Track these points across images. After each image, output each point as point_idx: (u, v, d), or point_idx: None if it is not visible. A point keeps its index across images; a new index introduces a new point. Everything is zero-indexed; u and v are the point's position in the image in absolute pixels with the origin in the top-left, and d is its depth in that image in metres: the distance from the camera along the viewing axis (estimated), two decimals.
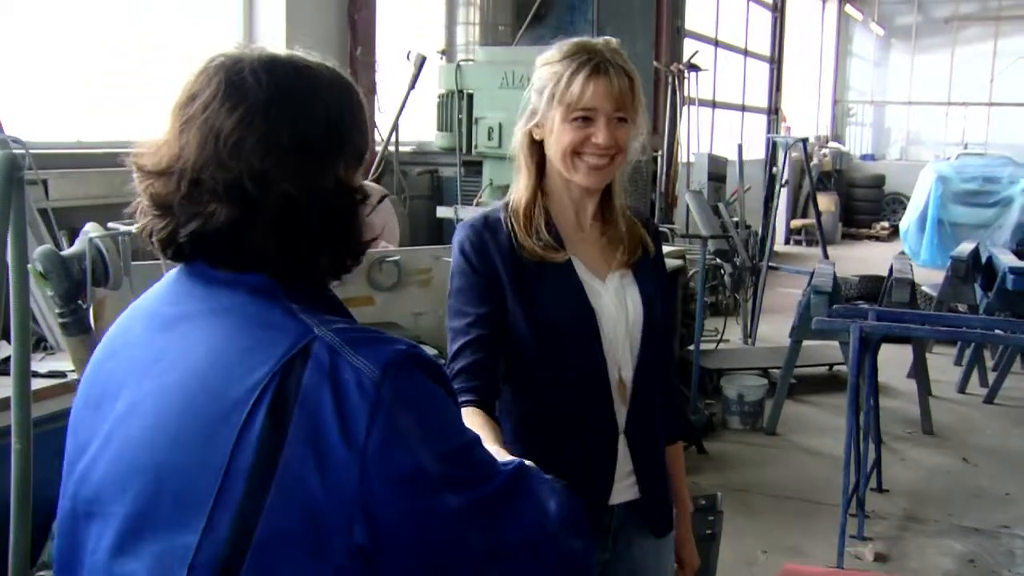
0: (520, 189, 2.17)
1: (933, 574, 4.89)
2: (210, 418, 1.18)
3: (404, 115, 5.87)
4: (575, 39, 2.10)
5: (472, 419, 1.97)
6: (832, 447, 6.30)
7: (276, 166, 1.21)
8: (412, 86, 5.02)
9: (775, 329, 9.35)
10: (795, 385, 7.69)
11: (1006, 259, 8.20)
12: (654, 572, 2.31)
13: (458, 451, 1.24)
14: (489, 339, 2.08)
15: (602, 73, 2.03)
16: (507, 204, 2.18)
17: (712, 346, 8.41)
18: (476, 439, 1.29)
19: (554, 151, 2.10)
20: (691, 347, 7.27)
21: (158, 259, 1.35)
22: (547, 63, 2.10)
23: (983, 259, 8.73)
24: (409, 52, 5.21)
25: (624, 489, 2.17)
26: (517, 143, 2.16)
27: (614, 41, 2.11)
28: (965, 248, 8.97)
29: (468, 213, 5.68)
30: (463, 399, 2.00)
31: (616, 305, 2.15)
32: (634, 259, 2.21)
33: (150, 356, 1.29)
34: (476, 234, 2.14)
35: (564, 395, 2.12)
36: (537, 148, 2.14)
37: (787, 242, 17.48)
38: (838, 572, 3.23)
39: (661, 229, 9.32)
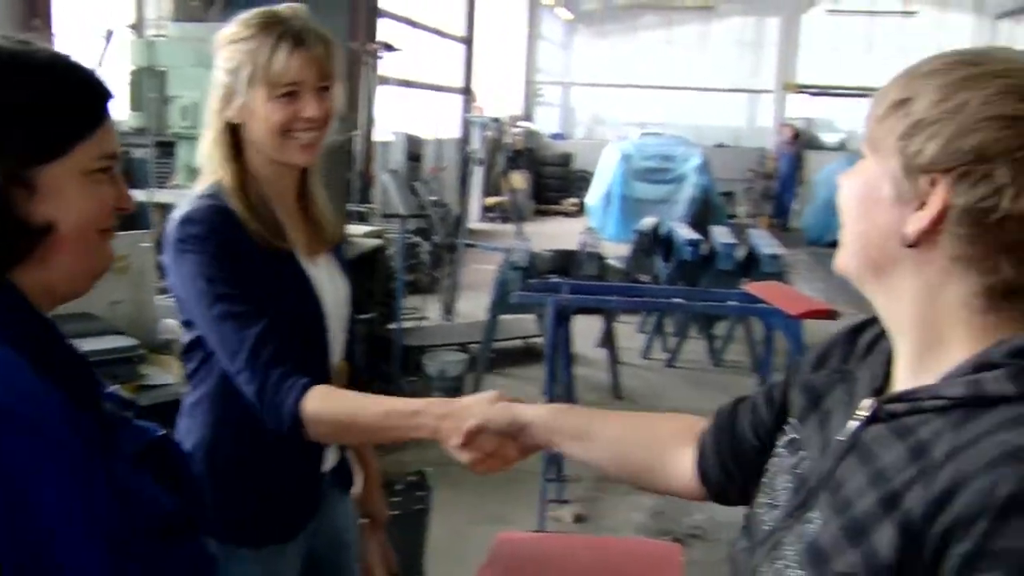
0: (227, 176, 2.04)
1: (625, 528, 5.23)
2: None
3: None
4: (257, 10, 1.99)
5: (329, 394, 1.93)
6: None
7: None
8: (100, 63, 4.77)
9: (473, 305, 9.58)
10: (494, 359, 7.94)
11: (683, 232, 8.81)
12: (346, 526, 2.40)
13: None
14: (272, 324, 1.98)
15: (302, 44, 1.95)
16: (219, 186, 2.04)
17: (413, 324, 8.54)
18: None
19: (261, 133, 1.99)
20: (392, 325, 7.37)
21: None
22: (236, 39, 1.97)
23: (663, 233, 9.35)
24: (102, 28, 4.95)
25: (330, 457, 2.26)
26: (212, 129, 2.04)
27: (301, 7, 2.04)
28: (648, 222, 9.55)
29: (165, 196, 5.49)
30: (303, 381, 1.92)
31: (333, 292, 2.16)
32: (335, 241, 2.21)
33: None
34: (211, 223, 1.98)
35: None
36: (234, 131, 2.03)
37: (482, 219, 17.93)
38: (548, 536, 3.39)
39: (360, 209, 9.43)
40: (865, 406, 1.09)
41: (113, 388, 1.37)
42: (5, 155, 1.15)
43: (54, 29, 5.79)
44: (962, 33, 21.67)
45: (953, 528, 0.92)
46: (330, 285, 2.16)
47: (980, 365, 1.00)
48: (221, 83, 2.00)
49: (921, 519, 0.95)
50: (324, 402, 1.92)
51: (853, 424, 1.09)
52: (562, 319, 5.31)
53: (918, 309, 1.06)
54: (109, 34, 4.80)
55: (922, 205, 1.01)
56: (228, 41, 1.99)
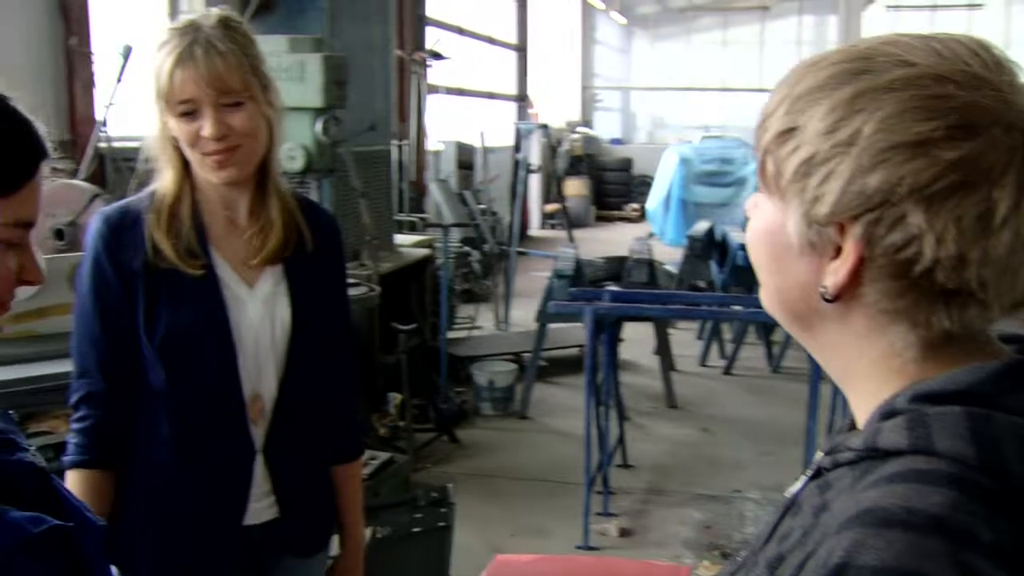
0: (166, 182, 1.96)
1: (672, 543, 5.07)
2: None
3: (125, 109, 5.58)
4: (184, 17, 1.91)
5: (75, 484, 1.93)
6: (581, 427, 6.41)
7: None
8: (119, 78, 4.75)
9: (529, 313, 9.49)
10: (547, 368, 7.84)
11: (738, 236, 8.60)
12: None
13: None
14: (111, 385, 1.95)
15: (188, 58, 1.83)
16: (152, 195, 1.98)
17: (464, 334, 8.46)
18: None
19: (183, 148, 1.91)
20: (445, 335, 7.30)
21: None
22: (153, 50, 1.89)
23: (718, 237, 9.15)
24: (121, 44, 4.90)
25: (262, 510, 2.04)
26: (155, 134, 1.94)
27: (216, 13, 1.91)
28: (701, 227, 9.36)
29: None
30: (76, 458, 1.95)
31: (262, 316, 1.99)
32: (287, 254, 2.02)
33: None
34: (111, 230, 1.94)
35: (192, 414, 1.97)
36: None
37: (542, 226, 17.84)
38: (548, 559, 3.26)
39: (410, 218, 9.38)
40: (815, 461, 0.96)
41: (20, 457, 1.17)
42: None
43: (93, 47, 5.77)
44: None
45: None
46: (260, 311, 1.99)
47: (886, 412, 0.85)
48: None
49: None
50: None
51: (803, 480, 0.97)
52: (603, 328, 5.18)
53: (850, 362, 0.92)
54: (127, 51, 4.72)
55: (837, 252, 0.86)
56: (152, 51, 1.91)
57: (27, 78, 5.43)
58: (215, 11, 1.91)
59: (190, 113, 1.86)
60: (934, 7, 21.58)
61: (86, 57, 5.70)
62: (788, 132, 0.88)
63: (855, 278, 0.85)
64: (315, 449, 2.13)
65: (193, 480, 1.97)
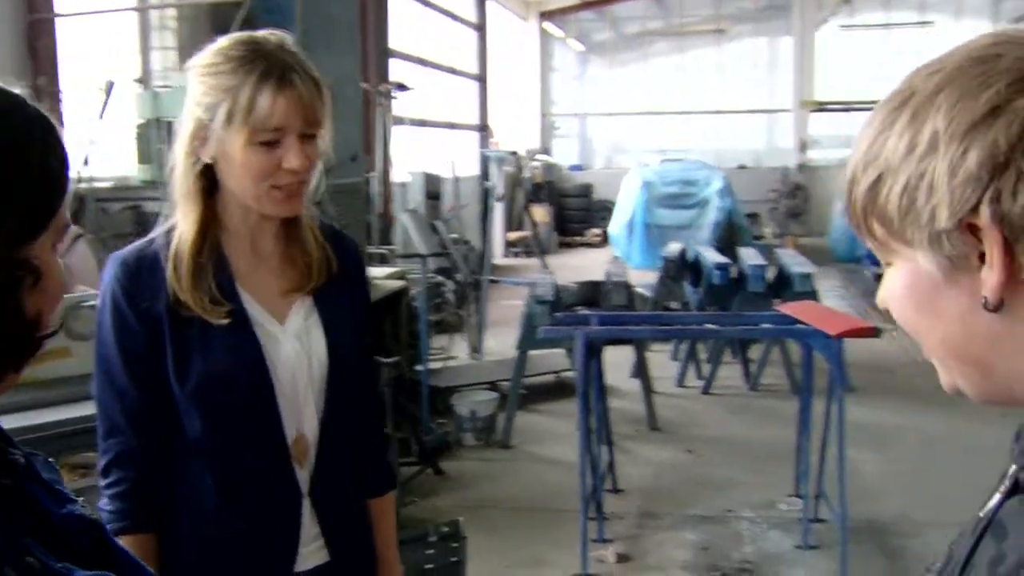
0: (188, 225, 1.80)
1: (671, 566, 5.02)
2: None
3: (102, 148, 5.50)
4: (236, 35, 1.75)
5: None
6: (566, 453, 6.37)
7: None
8: (101, 115, 4.65)
9: (502, 342, 9.42)
10: (526, 396, 7.77)
11: (711, 256, 8.64)
12: None
13: None
14: (144, 440, 1.82)
15: (288, 84, 1.69)
16: (168, 236, 1.83)
17: (441, 364, 8.38)
18: None
19: (237, 180, 1.76)
20: (419, 367, 7.21)
21: None
22: (214, 71, 1.72)
23: (690, 258, 9.17)
24: (103, 80, 4.81)
25: (311, 554, 1.93)
26: (180, 170, 1.78)
27: (286, 37, 1.78)
28: (674, 248, 9.37)
29: None
30: (117, 525, 1.79)
31: (297, 353, 1.87)
32: (318, 284, 1.91)
33: None
34: (128, 274, 1.80)
35: (234, 461, 1.86)
36: (205, 171, 1.78)
37: (505, 255, 17.80)
38: None
39: (379, 251, 9.31)
40: (1009, 474, 0.88)
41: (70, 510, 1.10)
42: (10, 232, 0.91)
43: (60, 86, 5.69)
44: None
45: None
46: (295, 348, 1.88)
47: None
48: (194, 118, 1.75)
49: None
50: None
51: (996, 497, 0.89)
52: (592, 351, 5.14)
53: None
54: (110, 86, 4.62)
55: (982, 258, 0.80)
56: (205, 72, 1.74)
57: None
58: (275, 33, 1.77)
59: (270, 143, 1.73)
60: (887, 26, 21.92)
61: (54, 96, 5.61)
62: (877, 181, 0.85)
63: (1010, 266, 0.79)
64: (356, 486, 2.04)
65: (241, 530, 1.87)
